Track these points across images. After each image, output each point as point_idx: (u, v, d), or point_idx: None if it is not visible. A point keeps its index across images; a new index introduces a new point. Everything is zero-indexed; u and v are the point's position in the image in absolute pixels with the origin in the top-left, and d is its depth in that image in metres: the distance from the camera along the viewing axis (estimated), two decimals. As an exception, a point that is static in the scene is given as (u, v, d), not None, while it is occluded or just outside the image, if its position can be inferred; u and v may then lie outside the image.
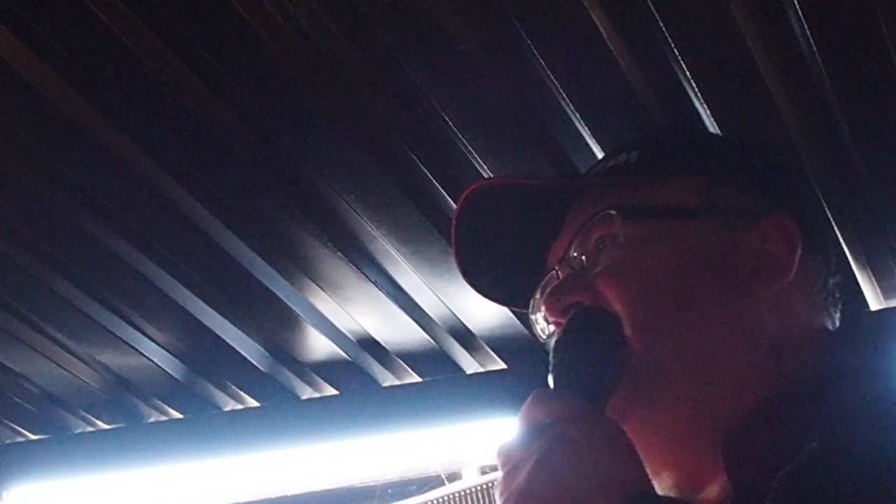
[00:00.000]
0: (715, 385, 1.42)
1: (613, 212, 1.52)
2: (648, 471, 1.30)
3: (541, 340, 1.69)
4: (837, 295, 1.60)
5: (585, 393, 1.33)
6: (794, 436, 1.26)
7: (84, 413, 3.48)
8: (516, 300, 1.77)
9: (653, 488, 1.26)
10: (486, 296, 1.79)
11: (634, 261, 1.49)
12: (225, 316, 2.91)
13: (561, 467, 1.18)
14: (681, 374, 1.42)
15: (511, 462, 1.23)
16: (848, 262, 2.50)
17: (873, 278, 2.62)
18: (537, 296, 1.65)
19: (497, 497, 1.24)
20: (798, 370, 1.42)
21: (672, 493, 1.44)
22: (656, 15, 1.91)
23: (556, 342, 1.46)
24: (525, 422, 1.27)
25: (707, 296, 1.46)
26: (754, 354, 1.44)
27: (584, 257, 1.54)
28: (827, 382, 1.38)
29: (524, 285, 1.69)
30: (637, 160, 1.62)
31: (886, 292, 2.68)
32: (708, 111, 2.09)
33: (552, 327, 1.60)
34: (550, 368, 1.40)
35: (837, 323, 1.58)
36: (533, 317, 1.68)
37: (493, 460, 1.28)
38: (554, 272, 1.58)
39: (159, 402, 3.41)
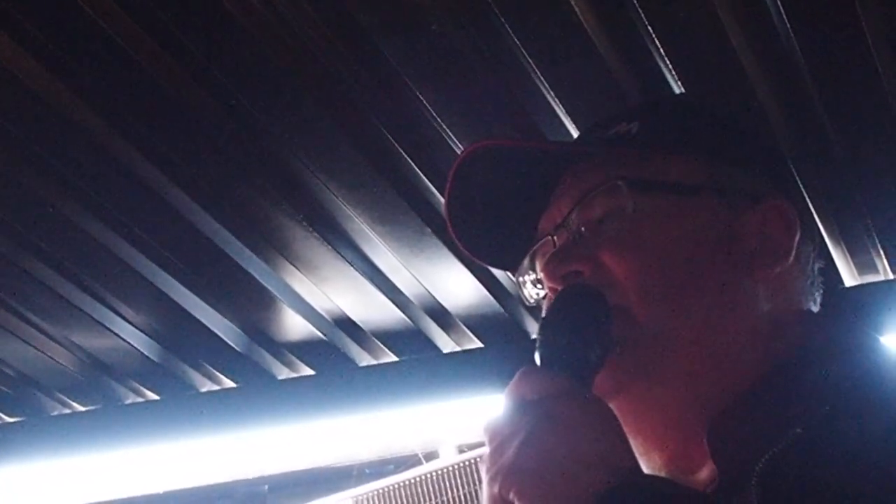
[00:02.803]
0: (711, 362, 1.42)
1: (621, 183, 1.51)
2: (638, 451, 1.30)
3: (527, 304, 1.69)
4: (822, 279, 1.61)
5: (572, 371, 1.33)
6: (777, 420, 1.26)
7: (60, 395, 3.48)
8: (503, 263, 1.77)
9: (639, 466, 1.26)
10: (475, 256, 1.78)
11: (640, 234, 1.49)
12: (200, 297, 2.91)
13: (549, 444, 1.18)
14: (682, 347, 1.43)
15: (498, 438, 1.23)
16: (820, 238, 2.51)
17: (847, 255, 2.63)
18: (526, 261, 1.65)
19: (483, 473, 1.24)
20: (785, 351, 1.43)
21: (660, 474, 1.44)
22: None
23: (543, 319, 1.46)
24: (512, 398, 1.27)
25: (710, 274, 1.47)
26: (750, 334, 1.45)
27: (584, 226, 1.54)
28: (809, 363, 1.39)
29: (512, 249, 1.68)
30: (638, 132, 1.61)
31: (860, 268, 2.70)
32: (680, 85, 2.10)
33: (541, 292, 1.61)
34: (537, 345, 1.40)
35: (819, 306, 1.59)
36: (521, 279, 1.68)
37: (480, 436, 1.28)
38: (550, 238, 1.57)
39: (135, 384, 3.40)
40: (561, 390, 1.26)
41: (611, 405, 1.31)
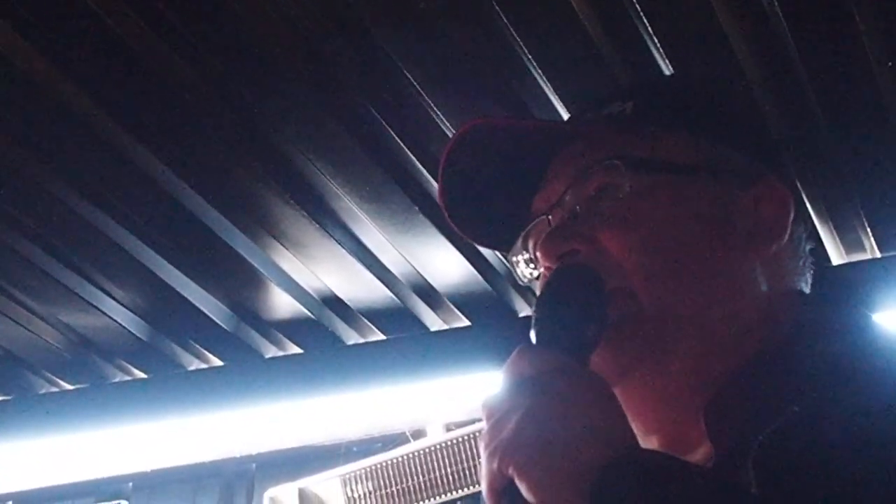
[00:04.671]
0: (711, 342, 1.42)
1: (618, 161, 1.51)
2: (637, 433, 1.30)
3: (521, 283, 1.69)
4: (812, 260, 1.61)
5: (568, 348, 1.33)
6: (773, 398, 1.26)
7: (47, 373, 3.48)
8: (496, 243, 1.77)
9: (637, 441, 1.26)
10: (468, 236, 1.78)
11: (637, 212, 1.48)
12: (188, 275, 2.91)
13: (548, 419, 1.18)
14: (682, 327, 1.42)
15: (497, 414, 1.23)
16: (810, 218, 2.51)
17: (835, 233, 2.63)
18: (519, 241, 1.64)
19: (482, 449, 1.24)
20: (781, 331, 1.43)
21: None
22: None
23: (538, 298, 1.46)
24: (510, 375, 1.27)
25: (708, 253, 1.47)
26: (747, 314, 1.45)
27: (579, 205, 1.53)
28: (804, 341, 1.39)
29: (505, 229, 1.68)
30: (633, 111, 1.61)
31: (848, 247, 2.70)
32: (669, 66, 2.10)
33: (535, 272, 1.61)
34: (533, 323, 1.40)
35: (810, 286, 1.59)
36: (514, 259, 1.67)
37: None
38: (545, 218, 1.57)
39: (123, 362, 3.40)
40: (559, 367, 1.26)
41: (614, 388, 1.31)
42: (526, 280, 1.67)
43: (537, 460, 1.16)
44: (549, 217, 1.56)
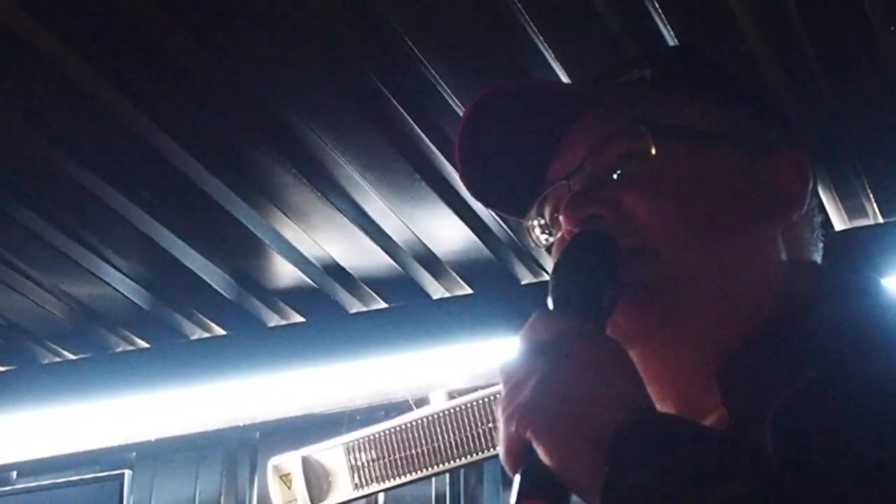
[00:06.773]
0: (733, 308, 1.43)
1: (643, 127, 1.51)
2: (651, 395, 1.30)
3: (537, 247, 1.68)
4: (822, 232, 1.62)
5: (585, 313, 1.34)
6: (789, 363, 1.26)
7: (50, 343, 3.49)
8: (511, 208, 1.76)
9: (654, 405, 1.26)
10: (483, 202, 1.78)
11: (663, 178, 1.48)
12: (191, 244, 2.91)
13: (566, 383, 1.18)
14: (707, 293, 1.43)
15: (514, 379, 1.23)
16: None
17: (837, 199, 2.63)
18: (535, 206, 1.64)
19: (499, 414, 1.24)
20: (797, 299, 1.43)
21: None
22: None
23: (555, 264, 1.46)
24: (528, 340, 1.27)
25: (732, 220, 1.47)
26: (767, 283, 1.45)
27: (602, 170, 1.53)
28: (818, 307, 1.39)
29: (520, 195, 1.67)
30: (652, 78, 1.61)
31: (850, 213, 2.70)
32: (671, 32, 2.09)
33: (550, 238, 1.61)
34: (550, 289, 1.40)
35: (821, 256, 1.60)
36: (529, 224, 1.67)
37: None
38: (564, 183, 1.57)
39: (126, 332, 3.41)
40: (576, 331, 1.26)
41: (631, 353, 1.31)
42: (540, 246, 1.67)
43: (554, 424, 1.16)
44: (570, 182, 1.56)
